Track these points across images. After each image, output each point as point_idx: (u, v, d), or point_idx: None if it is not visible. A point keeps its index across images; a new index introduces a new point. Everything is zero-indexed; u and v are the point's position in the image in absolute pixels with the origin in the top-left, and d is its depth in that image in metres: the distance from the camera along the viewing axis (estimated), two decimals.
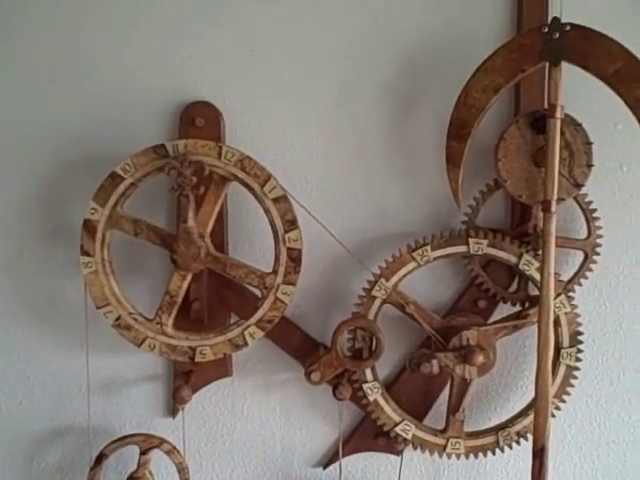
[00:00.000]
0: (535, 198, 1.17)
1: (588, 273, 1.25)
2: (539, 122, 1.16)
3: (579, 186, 1.16)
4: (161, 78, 1.27)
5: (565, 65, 1.12)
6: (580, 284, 1.26)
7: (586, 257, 1.25)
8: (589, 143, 1.16)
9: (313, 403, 1.35)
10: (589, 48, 1.10)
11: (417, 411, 1.30)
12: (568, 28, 1.10)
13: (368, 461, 1.36)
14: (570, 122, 1.15)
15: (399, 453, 1.32)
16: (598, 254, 1.24)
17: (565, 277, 1.26)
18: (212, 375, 1.32)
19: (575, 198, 1.20)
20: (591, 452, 1.35)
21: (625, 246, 1.29)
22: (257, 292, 1.21)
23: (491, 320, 1.28)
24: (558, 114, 1.11)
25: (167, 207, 1.29)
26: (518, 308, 1.26)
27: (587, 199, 1.22)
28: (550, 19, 1.12)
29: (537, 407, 1.16)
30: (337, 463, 1.32)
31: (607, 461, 1.35)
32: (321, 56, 1.26)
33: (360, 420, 1.33)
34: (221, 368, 1.32)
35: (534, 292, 1.23)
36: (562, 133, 1.13)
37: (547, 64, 1.12)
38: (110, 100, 1.27)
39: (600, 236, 1.23)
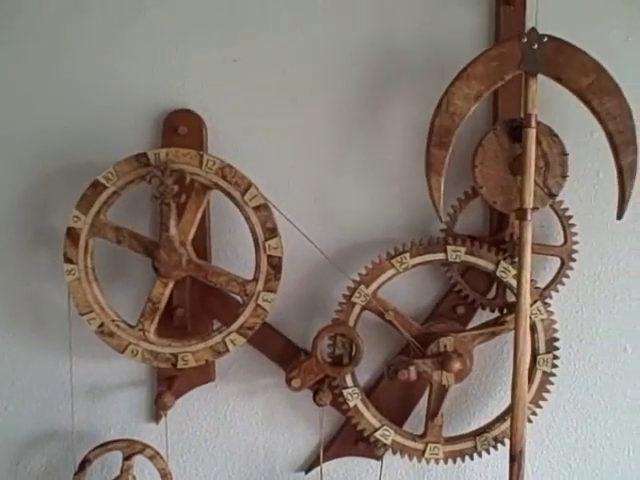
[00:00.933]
0: (510, 205, 1.19)
1: (565, 280, 1.27)
2: (516, 131, 1.18)
3: (553, 196, 1.19)
4: (145, 86, 1.28)
5: (542, 75, 1.14)
6: (557, 290, 1.28)
7: (563, 263, 1.27)
8: (565, 154, 1.18)
9: (295, 408, 1.37)
10: (564, 61, 1.12)
11: (397, 416, 1.32)
12: (546, 39, 1.12)
13: (349, 466, 1.38)
14: (547, 132, 1.17)
15: (379, 458, 1.34)
16: (574, 260, 1.26)
17: (542, 284, 1.28)
18: (195, 381, 1.34)
19: (551, 205, 1.22)
20: (568, 456, 1.37)
21: (601, 252, 1.31)
22: (239, 299, 1.23)
23: (470, 326, 1.30)
24: (533, 124, 1.13)
25: (151, 215, 1.30)
26: (497, 314, 1.28)
27: (563, 206, 1.24)
28: (528, 29, 1.14)
29: (514, 412, 1.18)
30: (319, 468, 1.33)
31: (584, 465, 1.37)
32: (302, 66, 1.27)
33: (341, 425, 1.35)
34: (204, 374, 1.33)
35: (512, 299, 1.25)
36: (539, 143, 1.16)
37: (524, 73, 1.14)
38: (94, 108, 1.29)
39: (576, 242, 1.25)
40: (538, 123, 1.16)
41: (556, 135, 1.18)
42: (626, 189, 1.15)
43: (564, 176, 1.19)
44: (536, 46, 1.11)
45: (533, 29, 1.12)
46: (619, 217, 1.16)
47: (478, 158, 1.19)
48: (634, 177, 1.14)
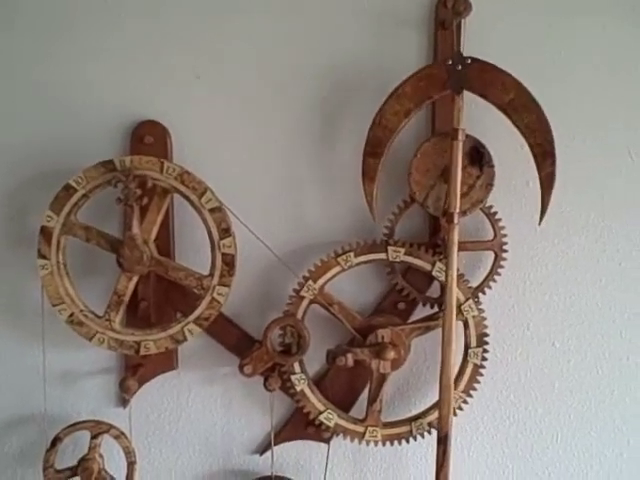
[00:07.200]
0: (440, 210, 1.31)
1: (498, 279, 1.38)
2: (472, 152, 1.30)
3: (480, 202, 1.30)
4: (114, 99, 1.40)
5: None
6: (495, 280, 1.38)
7: (496, 256, 1.38)
8: (491, 166, 1.30)
9: (251, 395, 1.48)
10: (486, 80, 1.24)
11: (344, 403, 1.44)
12: (469, 61, 1.25)
13: (301, 448, 1.49)
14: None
15: (327, 441, 1.46)
16: (506, 251, 1.37)
17: (477, 281, 1.39)
18: (159, 368, 1.46)
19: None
20: (501, 442, 1.49)
21: (531, 255, 1.43)
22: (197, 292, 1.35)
23: (410, 320, 1.42)
24: (460, 137, 1.25)
25: (120, 215, 1.42)
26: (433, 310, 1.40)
27: (488, 204, 1.35)
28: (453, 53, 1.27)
29: (441, 398, 1.30)
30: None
31: (516, 450, 1.49)
32: (255, 83, 1.40)
33: (293, 411, 1.47)
34: (167, 362, 1.45)
35: None
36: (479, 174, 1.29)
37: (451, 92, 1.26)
38: (68, 119, 1.41)
39: (505, 235, 1.37)
40: (484, 153, 1.29)
41: (484, 146, 1.30)
42: (544, 198, 1.26)
43: (490, 185, 1.30)
44: (460, 67, 1.24)
45: (457, 52, 1.25)
46: (539, 223, 1.28)
47: (413, 167, 1.32)
48: (551, 188, 1.26)
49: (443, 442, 1.30)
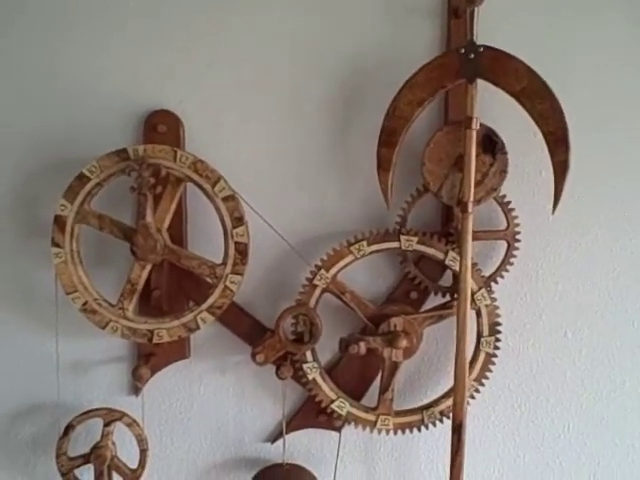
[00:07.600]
0: (454, 199, 1.31)
1: (511, 268, 1.38)
2: (486, 141, 1.29)
3: (494, 190, 1.30)
4: (127, 89, 1.40)
5: (485, 82, 1.26)
6: (507, 270, 1.38)
7: (509, 246, 1.38)
8: (504, 152, 1.30)
9: (263, 385, 1.49)
10: (499, 67, 1.23)
11: (355, 392, 1.44)
12: (482, 49, 1.24)
13: (312, 437, 1.50)
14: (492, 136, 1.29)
15: (339, 429, 1.46)
16: (519, 241, 1.37)
17: (490, 270, 1.39)
18: (171, 357, 1.46)
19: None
20: (512, 431, 1.49)
21: (543, 245, 1.43)
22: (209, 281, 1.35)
23: (422, 309, 1.42)
24: (473, 126, 1.25)
25: (133, 204, 1.41)
26: (445, 299, 1.40)
27: (502, 194, 1.35)
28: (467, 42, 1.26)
29: (456, 387, 1.30)
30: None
31: (527, 439, 1.49)
32: (270, 74, 1.40)
33: (305, 400, 1.47)
34: (180, 351, 1.46)
35: None
36: (492, 162, 1.28)
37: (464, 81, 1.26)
38: (82, 108, 1.41)
39: (518, 224, 1.37)
40: (496, 142, 1.29)
41: (496, 134, 1.30)
42: (557, 187, 1.26)
43: (504, 172, 1.30)
44: (472, 56, 1.23)
45: (470, 41, 1.24)
46: (552, 212, 1.28)
47: (426, 156, 1.31)
48: (565, 176, 1.25)
49: (457, 431, 1.30)
